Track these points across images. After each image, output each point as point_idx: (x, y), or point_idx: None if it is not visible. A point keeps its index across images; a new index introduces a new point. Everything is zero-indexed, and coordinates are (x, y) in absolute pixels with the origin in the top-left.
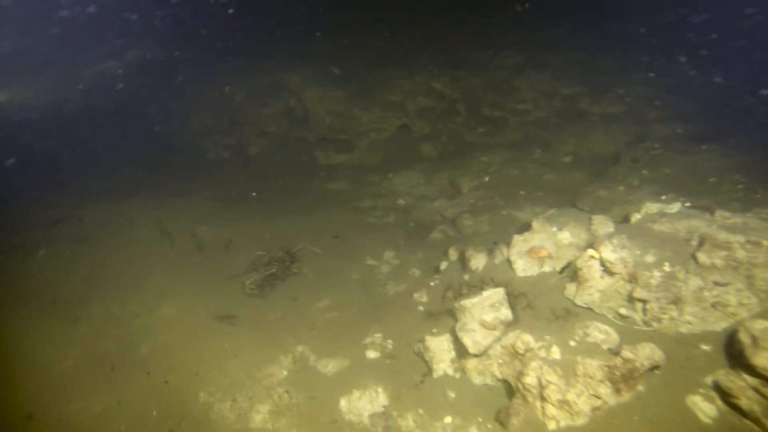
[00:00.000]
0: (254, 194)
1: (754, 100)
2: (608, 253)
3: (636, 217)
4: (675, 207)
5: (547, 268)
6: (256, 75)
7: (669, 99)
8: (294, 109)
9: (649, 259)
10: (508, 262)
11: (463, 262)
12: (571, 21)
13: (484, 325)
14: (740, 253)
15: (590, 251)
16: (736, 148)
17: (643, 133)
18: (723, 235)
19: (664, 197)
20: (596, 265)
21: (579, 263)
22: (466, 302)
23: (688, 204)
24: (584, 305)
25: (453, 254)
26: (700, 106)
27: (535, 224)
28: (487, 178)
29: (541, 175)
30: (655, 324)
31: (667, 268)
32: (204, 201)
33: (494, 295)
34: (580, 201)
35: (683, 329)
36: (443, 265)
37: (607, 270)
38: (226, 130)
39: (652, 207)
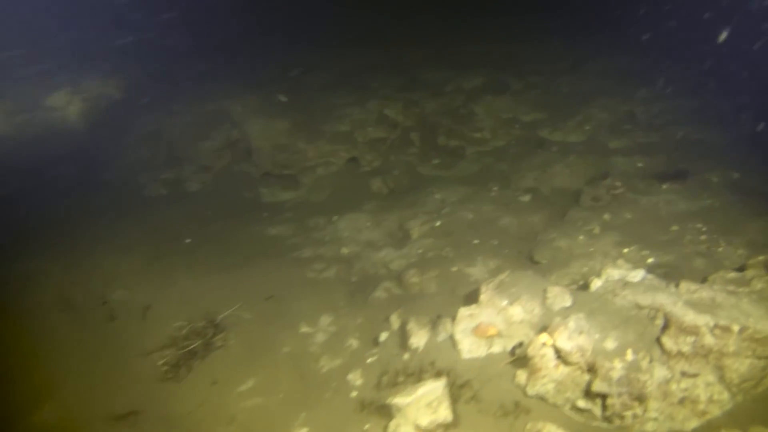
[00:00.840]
0: (188, 241)
1: (715, 132)
2: (564, 341)
3: (596, 284)
4: (638, 274)
5: (496, 349)
6: (197, 102)
7: (629, 127)
8: (237, 141)
9: (610, 345)
10: (452, 340)
11: (403, 336)
12: (531, 38)
13: (419, 429)
14: (709, 340)
15: (543, 337)
16: (697, 190)
17: (604, 166)
18: (690, 317)
19: (626, 250)
20: (550, 353)
21: (531, 351)
22: (400, 400)
23: (651, 260)
24: (537, 395)
25: (395, 321)
26: (660, 137)
27: (483, 296)
28: (438, 223)
29: (497, 219)
30: (617, 421)
31: (629, 356)
32: (127, 254)
33: (432, 391)
34: (538, 253)
35: (649, 427)
36: (383, 336)
37: (562, 359)
38: (164, 164)
39: (613, 273)
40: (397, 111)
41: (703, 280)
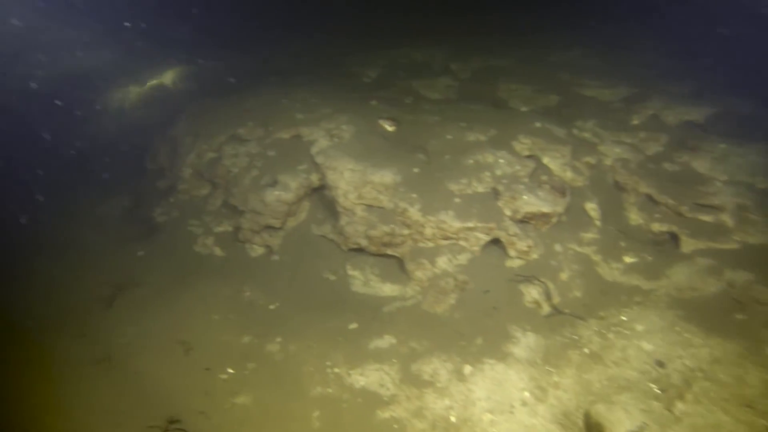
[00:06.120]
0: (231, 372)
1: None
2: None
3: None
4: None
5: None
6: (266, 122)
7: None
8: (319, 189)
9: None
10: None
11: None
12: None
13: None
14: None
15: None
16: None
17: None
18: None
19: None
20: None
21: None
22: None
23: None
24: None
25: None
26: None
27: None
28: None
29: None
30: None
31: None
32: None
33: None
34: None
35: None
36: None
37: None
38: (220, 213)
39: None
40: (563, 161)
41: None
